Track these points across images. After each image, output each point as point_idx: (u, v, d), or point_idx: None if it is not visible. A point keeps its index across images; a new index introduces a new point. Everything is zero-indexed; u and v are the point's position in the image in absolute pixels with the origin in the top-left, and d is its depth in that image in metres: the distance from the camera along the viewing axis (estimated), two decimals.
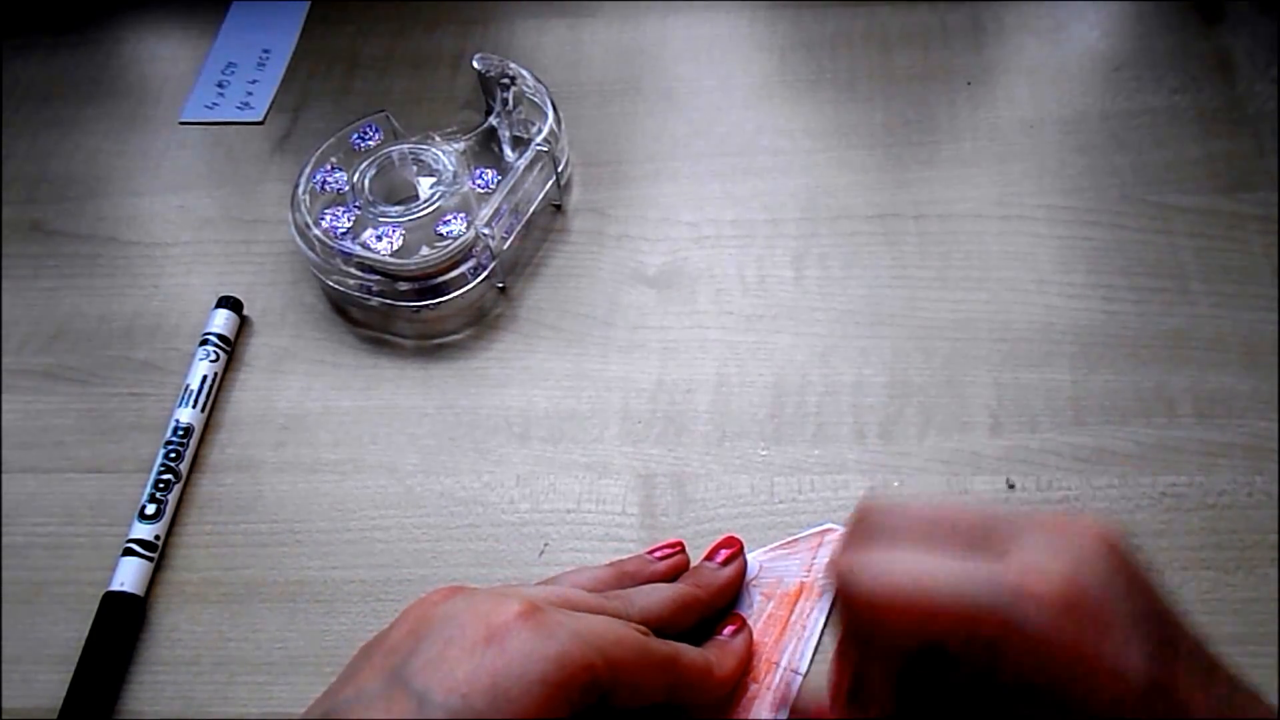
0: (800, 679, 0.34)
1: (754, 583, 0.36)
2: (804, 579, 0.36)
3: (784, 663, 0.34)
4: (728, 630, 0.34)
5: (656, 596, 0.33)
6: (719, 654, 0.33)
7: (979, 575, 0.23)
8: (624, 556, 0.37)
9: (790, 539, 0.37)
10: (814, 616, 0.35)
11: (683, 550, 0.36)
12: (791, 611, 0.35)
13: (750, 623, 0.35)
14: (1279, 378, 0.40)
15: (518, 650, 0.26)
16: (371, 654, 0.28)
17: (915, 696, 0.26)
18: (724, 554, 0.36)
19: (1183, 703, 0.22)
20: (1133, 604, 0.23)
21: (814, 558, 0.37)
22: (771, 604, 0.36)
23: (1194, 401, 0.40)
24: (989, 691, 0.24)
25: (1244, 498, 0.37)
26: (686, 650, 0.31)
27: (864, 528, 0.26)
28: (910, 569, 0.24)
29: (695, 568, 0.36)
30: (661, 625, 0.32)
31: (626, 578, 0.34)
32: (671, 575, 0.36)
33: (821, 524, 0.38)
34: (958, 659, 0.24)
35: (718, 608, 0.35)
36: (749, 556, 0.37)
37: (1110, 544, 0.24)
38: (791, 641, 0.35)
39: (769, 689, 0.34)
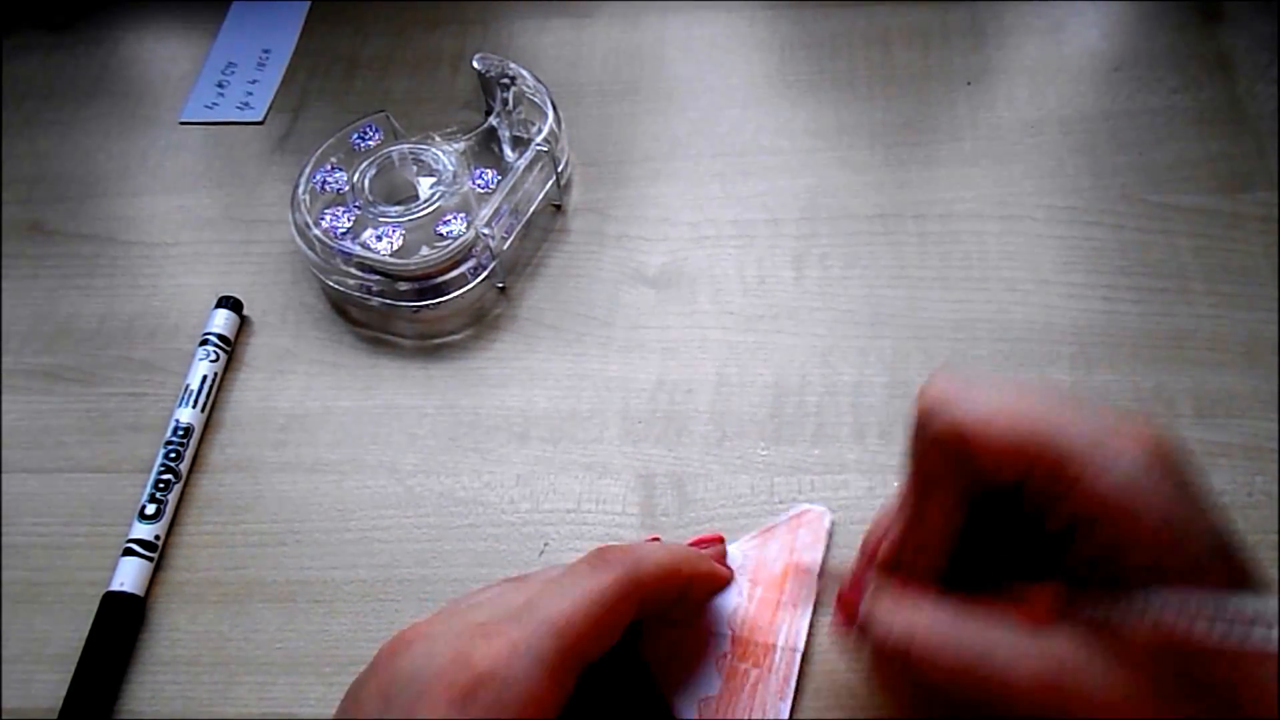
0: (799, 656, 0.34)
1: (738, 572, 0.37)
2: (788, 560, 0.37)
3: (781, 642, 0.35)
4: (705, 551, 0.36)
5: (636, 551, 0.32)
6: (684, 550, 0.34)
7: (1075, 416, 0.24)
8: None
9: (768, 526, 0.38)
10: (803, 595, 0.36)
11: (722, 542, 0.37)
12: (781, 593, 0.36)
13: (740, 609, 0.35)
14: (1279, 378, 0.40)
15: (486, 707, 0.26)
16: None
17: (964, 553, 0.26)
18: (709, 551, 0.36)
19: (1244, 577, 0.23)
20: (1200, 488, 0.24)
21: (794, 540, 0.37)
22: (760, 589, 0.36)
23: (1194, 401, 0.40)
24: (1037, 545, 0.25)
25: (1244, 498, 0.37)
26: (644, 555, 0.31)
27: (953, 373, 0.26)
28: (1007, 399, 0.25)
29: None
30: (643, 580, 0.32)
31: None
32: None
33: (796, 507, 0.38)
34: (1032, 505, 0.24)
35: (701, 587, 0.35)
36: (730, 548, 0.37)
37: (1179, 442, 0.25)
38: (785, 622, 0.35)
39: (770, 671, 0.34)
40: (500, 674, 0.26)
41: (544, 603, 0.28)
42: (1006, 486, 0.25)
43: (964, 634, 0.25)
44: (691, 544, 0.37)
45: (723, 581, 0.35)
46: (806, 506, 0.38)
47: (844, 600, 0.32)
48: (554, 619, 0.28)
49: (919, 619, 0.26)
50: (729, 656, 0.35)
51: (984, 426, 0.25)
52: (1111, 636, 0.23)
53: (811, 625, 0.35)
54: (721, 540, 0.37)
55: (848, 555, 0.37)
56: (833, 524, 0.38)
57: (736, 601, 0.36)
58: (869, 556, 0.31)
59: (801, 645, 0.35)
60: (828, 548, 0.37)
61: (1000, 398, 0.25)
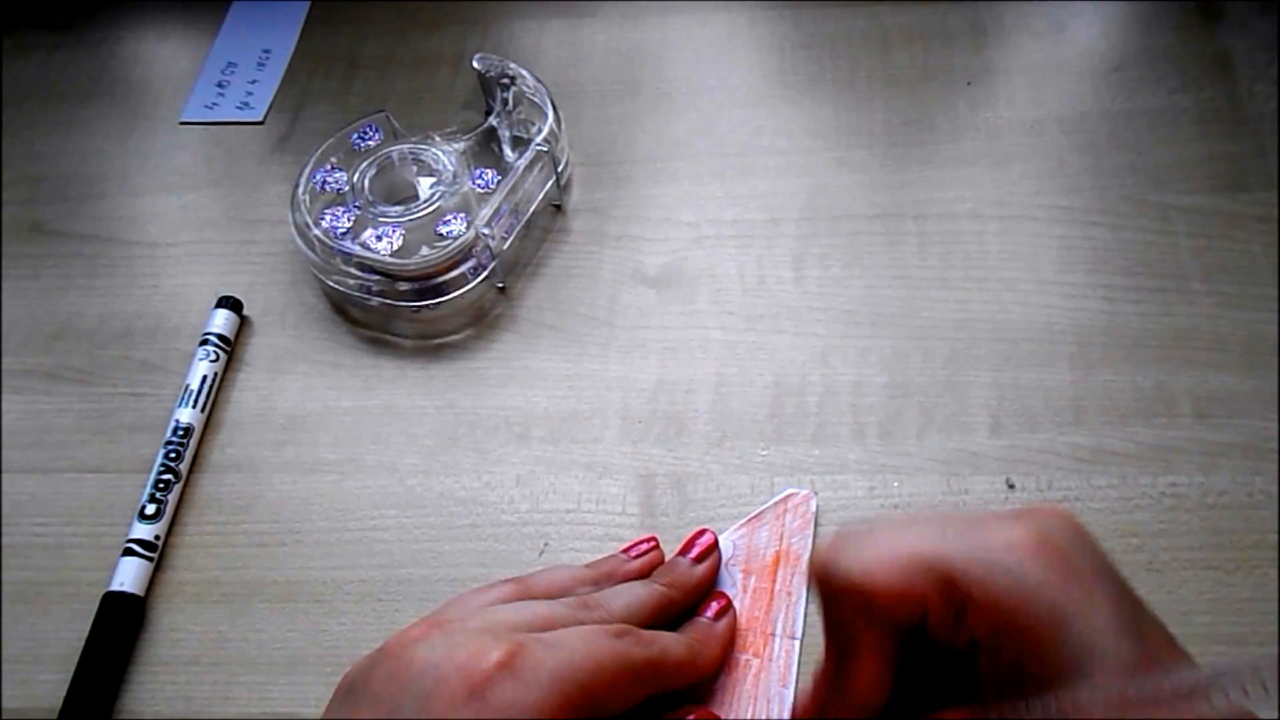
0: (798, 644, 0.35)
1: (731, 562, 0.37)
2: (778, 547, 0.37)
3: (779, 631, 0.35)
4: (710, 612, 0.35)
5: (635, 603, 0.33)
6: (702, 639, 0.33)
7: (956, 536, 0.24)
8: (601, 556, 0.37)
9: (755, 514, 0.38)
10: (796, 581, 0.36)
11: (657, 546, 0.36)
12: (774, 581, 0.36)
13: (735, 600, 0.36)
14: (1279, 378, 0.40)
15: (500, 703, 0.26)
16: (357, 700, 0.28)
17: (903, 688, 0.26)
18: (698, 549, 0.36)
19: (1153, 652, 0.23)
20: (1096, 563, 0.24)
21: (783, 525, 0.37)
22: (753, 579, 0.36)
23: (1194, 401, 0.40)
24: (970, 670, 0.24)
25: (1244, 498, 0.37)
26: (668, 648, 0.31)
27: (843, 531, 0.27)
28: (891, 540, 0.25)
29: (670, 563, 0.36)
30: (639, 625, 0.32)
31: (603, 578, 0.35)
32: (647, 571, 0.36)
33: (782, 490, 0.38)
34: (939, 633, 0.24)
35: (693, 604, 0.35)
36: (720, 539, 0.37)
37: (1073, 521, 0.25)
38: (781, 610, 0.35)
39: (771, 660, 0.34)
40: (522, 676, 0.26)
41: (569, 639, 0.28)
42: (915, 622, 0.25)
43: None
44: (683, 547, 0.36)
45: (703, 675, 0.34)
46: (791, 490, 0.38)
47: None
48: (573, 651, 0.28)
49: None
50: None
51: (871, 576, 0.25)
52: None
53: (807, 611, 0.35)
54: (715, 541, 0.37)
55: (827, 531, 0.37)
56: (818, 508, 0.38)
57: (731, 593, 0.36)
58: None
59: (800, 632, 0.35)
60: (815, 532, 0.37)
61: (886, 541, 0.25)
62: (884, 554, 0.25)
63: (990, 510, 0.26)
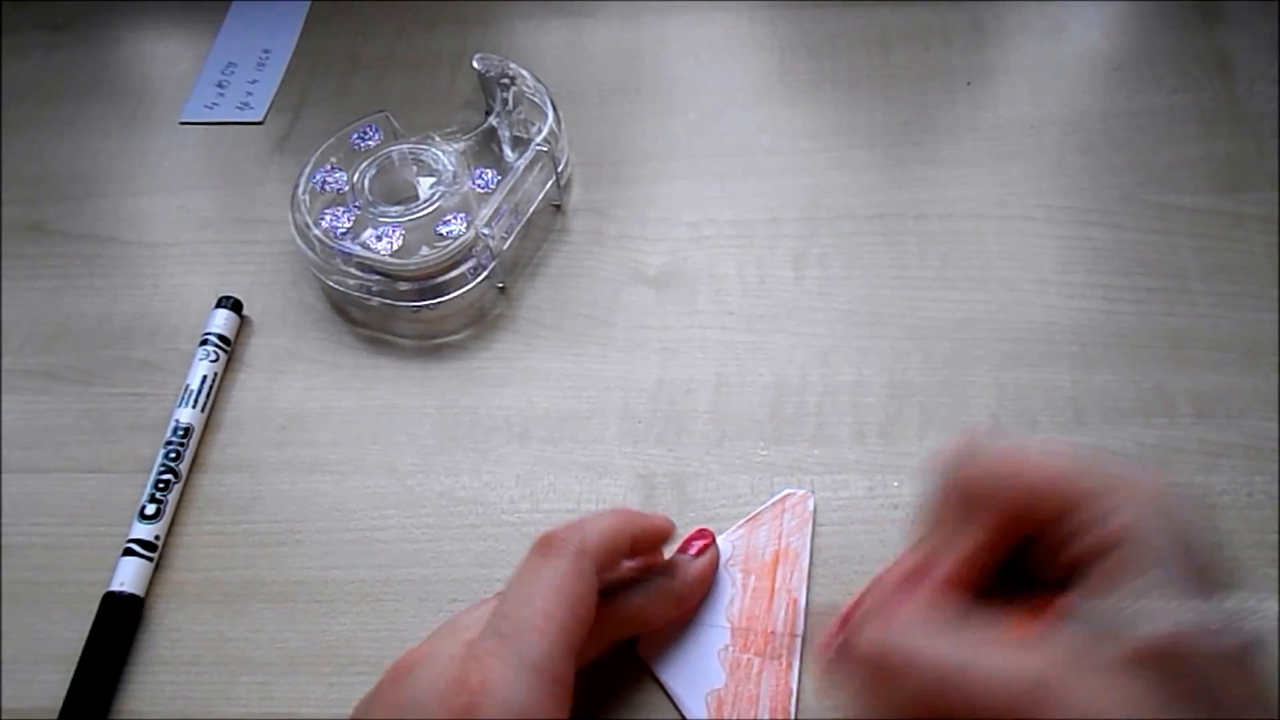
0: (800, 640, 0.35)
1: (730, 563, 0.37)
2: (777, 546, 0.37)
3: (780, 629, 0.35)
4: (694, 548, 0.36)
5: (651, 599, 0.34)
6: (683, 575, 0.35)
7: (1096, 462, 0.26)
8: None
9: (753, 514, 0.38)
10: (796, 579, 0.36)
11: (712, 540, 0.37)
12: (774, 580, 0.36)
13: (735, 601, 0.36)
14: (1279, 378, 0.40)
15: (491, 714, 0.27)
16: None
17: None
18: (697, 545, 0.36)
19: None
20: (1202, 536, 0.25)
21: (781, 524, 0.37)
22: (753, 578, 0.36)
23: (1194, 401, 0.40)
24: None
25: (1244, 498, 0.37)
26: (647, 612, 0.34)
27: (986, 432, 0.29)
28: (1039, 444, 0.27)
29: (672, 559, 0.36)
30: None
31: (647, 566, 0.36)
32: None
33: (780, 491, 0.38)
34: (1039, 544, 0.26)
35: (698, 598, 0.36)
36: (719, 540, 0.37)
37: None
38: (781, 608, 0.35)
39: (774, 658, 0.34)
40: (498, 691, 0.27)
41: (515, 609, 0.29)
42: (1029, 529, 0.26)
43: (946, 645, 0.25)
44: (682, 545, 0.37)
45: (663, 530, 0.36)
46: (790, 490, 0.38)
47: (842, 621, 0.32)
48: (530, 621, 0.28)
49: (903, 626, 0.26)
50: (730, 649, 0.35)
51: (1025, 461, 0.26)
52: (1102, 646, 0.23)
53: (808, 607, 0.36)
54: (713, 538, 0.37)
55: (835, 538, 0.38)
56: (816, 506, 0.38)
57: (731, 593, 0.36)
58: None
59: (801, 629, 0.35)
60: (813, 530, 0.37)
61: (1033, 444, 0.27)
62: (1038, 451, 0.26)
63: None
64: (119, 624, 0.38)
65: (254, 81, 0.55)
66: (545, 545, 0.31)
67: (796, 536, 0.37)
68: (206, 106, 0.54)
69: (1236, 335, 0.41)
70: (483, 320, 0.45)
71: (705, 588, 0.36)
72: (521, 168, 0.45)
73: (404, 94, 0.53)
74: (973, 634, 0.25)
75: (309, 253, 0.45)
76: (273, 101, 0.54)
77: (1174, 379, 0.40)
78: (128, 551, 0.39)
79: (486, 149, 0.48)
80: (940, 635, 0.25)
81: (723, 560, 0.37)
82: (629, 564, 0.35)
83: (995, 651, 0.24)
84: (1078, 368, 0.41)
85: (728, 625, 0.35)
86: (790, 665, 0.34)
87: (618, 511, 0.34)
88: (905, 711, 0.26)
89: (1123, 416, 0.40)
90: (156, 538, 0.40)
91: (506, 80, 0.48)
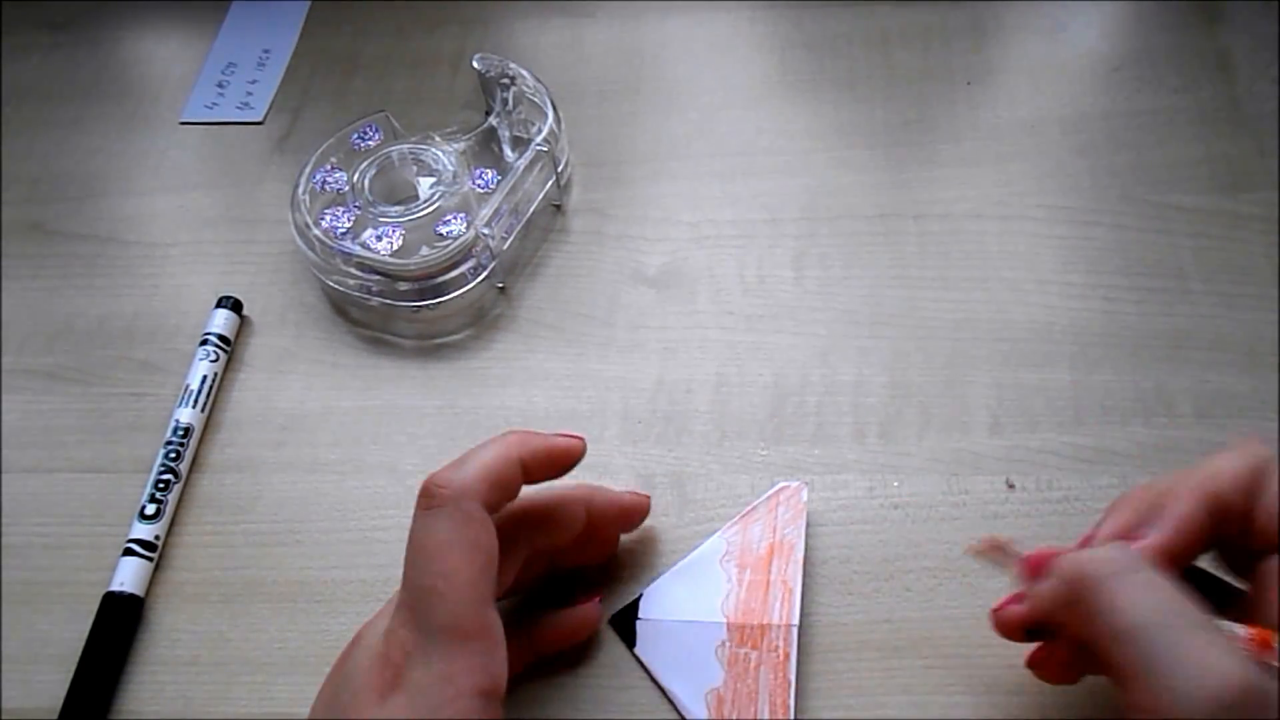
0: (796, 630, 0.35)
1: (725, 559, 0.37)
2: (771, 540, 0.37)
3: (776, 620, 0.35)
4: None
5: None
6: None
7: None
8: None
9: (748, 508, 0.38)
10: (791, 571, 0.36)
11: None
12: (769, 573, 0.36)
13: (732, 595, 0.36)
14: (1279, 378, 0.40)
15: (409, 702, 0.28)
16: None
17: None
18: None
19: None
20: None
21: (775, 518, 0.37)
22: (748, 572, 0.36)
23: (1194, 401, 0.40)
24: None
25: None
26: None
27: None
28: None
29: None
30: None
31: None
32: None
33: (775, 484, 0.38)
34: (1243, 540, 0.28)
35: (542, 468, 0.33)
36: (714, 537, 0.37)
37: None
38: (777, 600, 0.35)
39: (771, 650, 0.34)
40: (417, 661, 0.28)
41: (415, 576, 0.29)
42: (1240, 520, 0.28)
43: (1183, 604, 0.26)
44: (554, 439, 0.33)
45: (567, 449, 0.33)
46: (784, 484, 0.38)
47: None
48: (431, 586, 0.28)
49: (1130, 563, 0.27)
50: (727, 645, 0.35)
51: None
52: None
53: (804, 598, 0.36)
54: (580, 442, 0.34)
55: (834, 537, 0.38)
56: (808, 498, 0.38)
57: (726, 588, 0.36)
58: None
59: (797, 619, 0.35)
60: (808, 521, 0.37)
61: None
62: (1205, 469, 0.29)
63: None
64: (119, 624, 0.38)
65: (254, 81, 0.55)
66: (426, 496, 0.30)
67: (791, 529, 0.37)
68: (206, 106, 0.54)
69: (1236, 335, 0.41)
70: (483, 320, 0.45)
71: (543, 447, 0.32)
72: (521, 168, 0.45)
73: (404, 94, 0.53)
74: (1192, 610, 0.26)
75: (309, 253, 0.45)
76: (273, 101, 0.54)
77: (1174, 379, 0.40)
78: (128, 551, 0.39)
79: (486, 149, 0.48)
80: (1158, 592, 0.26)
81: (718, 557, 0.37)
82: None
83: (1216, 641, 0.25)
84: (1078, 368, 0.41)
85: (724, 621, 0.35)
86: (788, 657, 0.34)
87: (507, 436, 0.32)
88: (1075, 641, 0.29)
89: (1123, 416, 0.40)
90: (156, 538, 0.40)
91: (506, 80, 0.48)
